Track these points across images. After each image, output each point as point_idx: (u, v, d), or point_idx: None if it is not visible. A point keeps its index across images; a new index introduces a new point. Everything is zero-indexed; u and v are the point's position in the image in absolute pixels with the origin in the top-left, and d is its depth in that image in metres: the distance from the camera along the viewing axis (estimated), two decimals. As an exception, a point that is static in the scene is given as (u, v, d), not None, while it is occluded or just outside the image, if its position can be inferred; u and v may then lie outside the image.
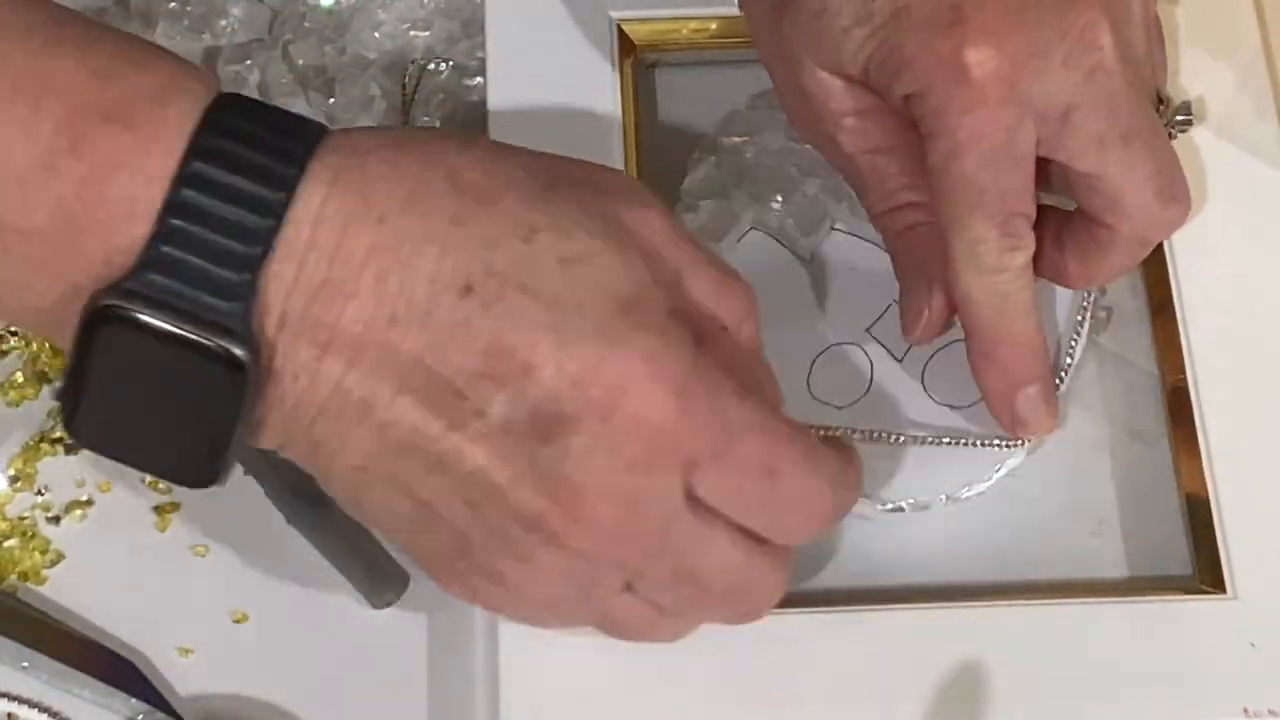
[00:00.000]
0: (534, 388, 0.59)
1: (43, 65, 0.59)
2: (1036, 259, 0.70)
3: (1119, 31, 0.67)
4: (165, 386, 0.59)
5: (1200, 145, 0.76)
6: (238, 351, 0.58)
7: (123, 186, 0.58)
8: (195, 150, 0.59)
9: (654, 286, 0.61)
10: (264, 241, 0.58)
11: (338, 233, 0.59)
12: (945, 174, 0.67)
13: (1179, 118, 0.72)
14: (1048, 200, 0.70)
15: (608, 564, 0.62)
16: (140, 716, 0.70)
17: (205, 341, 0.58)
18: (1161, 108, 0.71)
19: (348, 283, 0.59)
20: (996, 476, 0.72)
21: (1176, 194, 0.69)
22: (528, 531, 0.61)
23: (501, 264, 0.59)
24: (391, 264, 0.59)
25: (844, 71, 0.68)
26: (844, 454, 0.65)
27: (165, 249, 0.58)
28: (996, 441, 0.72)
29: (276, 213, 0.59)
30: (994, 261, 0.68)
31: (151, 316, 0.58)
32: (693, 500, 0.62)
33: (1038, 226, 0.69)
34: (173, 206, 0.58)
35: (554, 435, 0.59)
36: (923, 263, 0.71)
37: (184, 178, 0.58)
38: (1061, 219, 0.71)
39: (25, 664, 0.70)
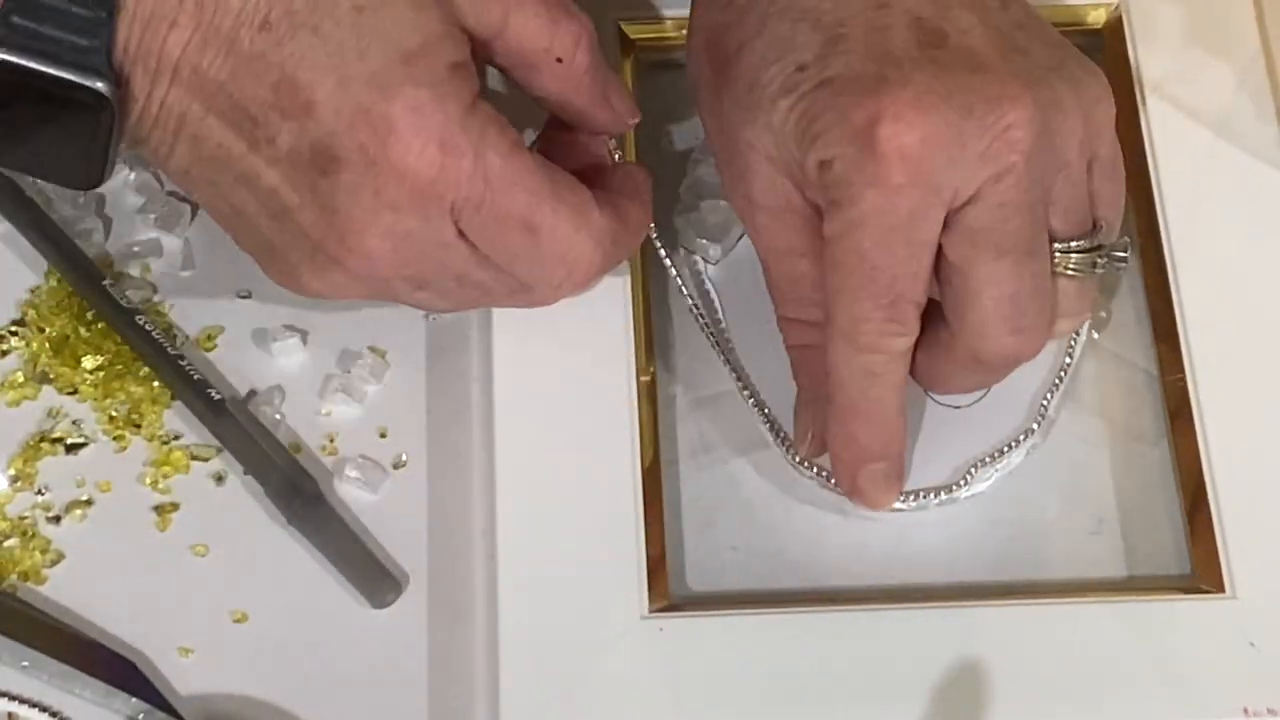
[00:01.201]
0: (314, 124, 0.65)
1: None
2: None
3: (1044, 141, 0.65)
4: (37, 118, 0.65)
5: (1200, 145, 0.76)
6: (101, 86, 0.64)
7: None
8: None
9: (441, 41, 0.66)
10: None
11: None
12: (840, 244, 0.66)
13: (1116, 254, 0.68)
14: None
15: (394, 279, 0.68)
16: (141, 716, 0.70)
17: (70, 78, 0.64)
18: (1094, 232, 0.68)
19: (170, 11, 0.64)
20: (996, 476, 0.72)
21: (1025, 327, 0.67)
22: (314, 253, 0.67)
23: (300, 5, 0.65)
24: None
25: (770, 153, 0.68)
26: (622, 211, 0.70)
27: None
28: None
29: None
30: (871, 342, 0.67)
31: (17, 56, 0.63)
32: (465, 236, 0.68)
33: None
34: None
35: (329, 170, 0.65)
36: (815, 382, 0.71)
37: None
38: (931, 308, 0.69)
39: (25, 663, 0.70)
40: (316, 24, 0.65)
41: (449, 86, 0.65)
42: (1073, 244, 0.67)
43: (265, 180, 0.66)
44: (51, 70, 0.63)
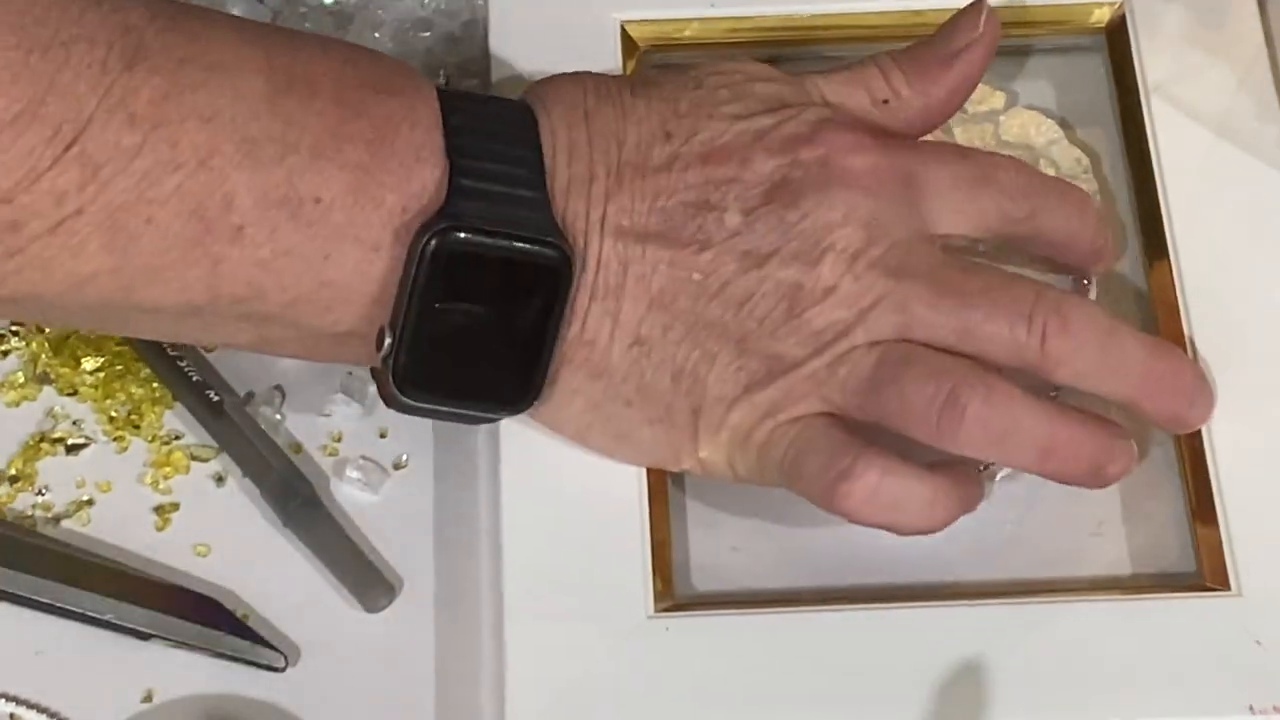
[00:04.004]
0: (750, 174, 0.68)
1: (298, 61, 0.66)
2: None
3: None
4: (491, 306, 0.67)
5: (1203, 145, 0.76)
6: (564, 249, 0.66)
7: (406, 138, 0.66)
8: (444, 100, 0.67)
9: None
10: (529, 164, 0.67)
11: (565, 132, 0.68)
12: None
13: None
14: None
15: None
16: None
17: (534, 247, 0.66)
18: None
19: (582, 170, 0.68)
20: (999, 476, 0.72)
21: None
22: (812, 264, 0.67)
23: (685, 106, 0.69)
24: (604, 144, 0.68)
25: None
26: None
27: (465, 181, 0.66)
28: None
29: (529, 136, 0.68)
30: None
31: (482, 236, 0.65)
32: None
33: None
34: (453, 147, 0.66)
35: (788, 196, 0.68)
36: None
37: (450, 126, 0.67)
38: None
39: (109, 615, 0.71)
40: (710, 111, 0.69)
41: None
42: None
43: (724, 267, 0.67)
44: (514, 242, 0.66)
